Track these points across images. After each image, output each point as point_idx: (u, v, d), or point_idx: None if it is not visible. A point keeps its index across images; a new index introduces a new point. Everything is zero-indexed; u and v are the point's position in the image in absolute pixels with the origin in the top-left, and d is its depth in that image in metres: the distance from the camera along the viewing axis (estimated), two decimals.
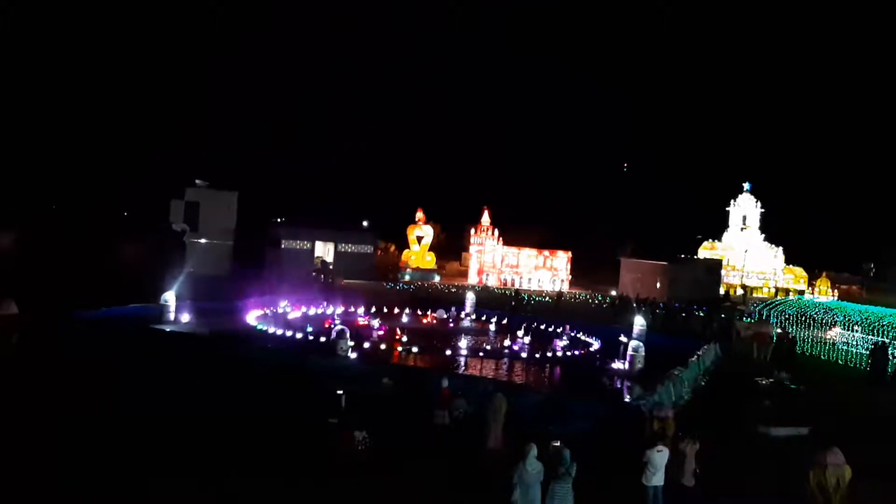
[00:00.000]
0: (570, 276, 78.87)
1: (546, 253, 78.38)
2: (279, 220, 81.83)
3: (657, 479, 13.30)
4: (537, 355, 30.21)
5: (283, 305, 38.90)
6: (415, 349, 29.79)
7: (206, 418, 17.05)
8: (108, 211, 71.82)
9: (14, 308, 22.31)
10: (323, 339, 29.56)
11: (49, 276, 36.77)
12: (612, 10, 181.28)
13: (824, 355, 36.28)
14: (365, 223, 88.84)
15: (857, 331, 38.22)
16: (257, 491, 13.42)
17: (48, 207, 74.03)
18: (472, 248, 79.39)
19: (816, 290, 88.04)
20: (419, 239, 78.80)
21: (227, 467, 14.25)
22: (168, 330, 29.80)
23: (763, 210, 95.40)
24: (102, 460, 14.02)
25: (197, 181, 69.51)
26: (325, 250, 73.47)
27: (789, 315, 40.35)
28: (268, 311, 36.28)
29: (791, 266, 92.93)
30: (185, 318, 32.32)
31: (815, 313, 40.13)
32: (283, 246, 69.58)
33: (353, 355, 26.38)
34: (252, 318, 34.33)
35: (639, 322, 33.17)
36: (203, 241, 67.06)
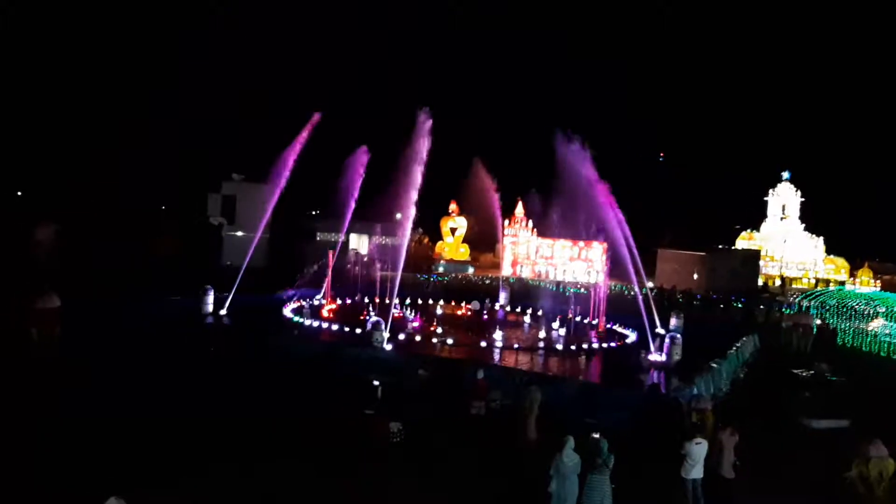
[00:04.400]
0: (605, 268, 78.09)
1: (581, 244, 77.70)
2: (314, 212, 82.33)
3: (696, 471, 13.23)
4: (573, 347, 30.04)
5: (319, 298, 39.15)
6: (450, 340, 29.82)
7: (243, 408, 17.28)
8: (145, 205, 72.91)
9: (57, 301, 22.61)
10: (358, 330, 29.74)
11: (89, 269, 37.43)
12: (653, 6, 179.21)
13: (866, 347, 35.64)
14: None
15: None
16: (294, 481, 13.56)
17: (86, 201, 75.37)
18: (506, 240, 79.13)
19: (858, 280, 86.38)
20: (453, 230, 78.77)
21: (263, 456, 14.43)
22: (205, 322, 30.17)
23: (803, 199, 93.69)
24: (148, 448, 14.30)
25: (233, 175, 70.26)
26: (359, 242, 73.86)
27: (830, 306, 39.69)
28: (303, 304, 36.51)
29: (832, 256, 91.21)
30: (222, 310, 32.66)
31: (857, 304, 39.43)
32: (318, 238, 70.09)
33: (388, 347, 26.49)
34: (288, 310, 34.62)
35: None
36: (240, 234, 67.78)
